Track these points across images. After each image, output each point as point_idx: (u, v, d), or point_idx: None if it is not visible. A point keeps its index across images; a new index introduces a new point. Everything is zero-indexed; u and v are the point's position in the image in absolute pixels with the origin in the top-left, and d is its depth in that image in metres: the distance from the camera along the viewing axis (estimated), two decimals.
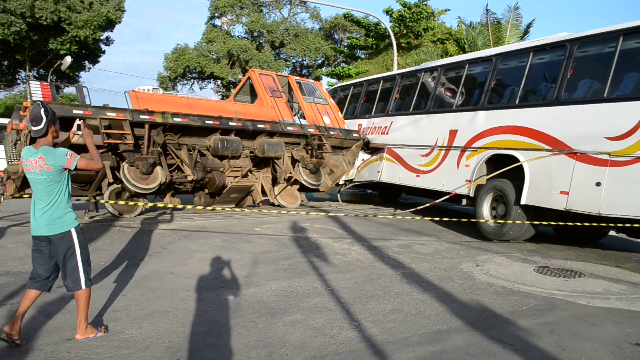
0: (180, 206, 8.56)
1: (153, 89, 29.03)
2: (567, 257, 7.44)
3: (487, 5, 52.84)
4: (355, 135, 12.20)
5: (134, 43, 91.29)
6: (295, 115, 12.42)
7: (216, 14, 36.34)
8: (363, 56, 31.50)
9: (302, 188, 11.69)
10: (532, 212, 7.77)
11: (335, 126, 12.04)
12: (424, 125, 10.24)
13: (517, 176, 7.92)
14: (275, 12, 37.05)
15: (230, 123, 10.03)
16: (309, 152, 11.38)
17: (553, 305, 5.01)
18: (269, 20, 35.83)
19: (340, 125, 12.16)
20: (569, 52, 7.48)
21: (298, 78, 12.79)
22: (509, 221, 7.85)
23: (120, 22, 28.24)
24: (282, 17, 37.06)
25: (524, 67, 8.24)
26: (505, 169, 7.92)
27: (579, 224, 7.20)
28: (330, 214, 9.62)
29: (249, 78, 11.92)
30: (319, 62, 38.52)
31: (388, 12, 27.76)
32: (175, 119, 9.33)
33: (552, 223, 7.64)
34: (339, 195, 12.58)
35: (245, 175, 10.93)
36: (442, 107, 10.03)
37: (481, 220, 8.40)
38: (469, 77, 9.56)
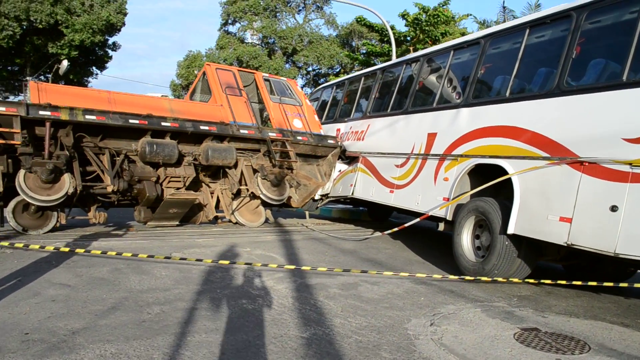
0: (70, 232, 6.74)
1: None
2: (571, 309, 5.25)
3: (503, 2, 49.65)
4: (330, 141, 10.26)
5: (170, 55, 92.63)
6: (264, 118, 10.62)
7: (229, 20, 34.98)
8: (379, 63, 29.53)
9: (266, 203, 9.76)
10: (526, 244, 5.61)
11: (307, 131, 10.09)
12: (400, 128, 8.24)
13: (507, 194, 5.83)
14: (290, 18, 35.48)
15: (163, 123, 8.25)
16: (272, 161, 9.46)
17: None
18: (282, 27, 34.24)
19: (312, 130, 10.21)
20: (575, 24, 5.36)
21: (267, 75, 10.93)
22: (492, 257, 5.69)
23: (123, 25, 27.04)
24: (296, 23, 35.42)
25: (517, 49, 6.14)
26: (487, 185, 5.82)
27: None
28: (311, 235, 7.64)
29: (204, 74, 10.10)
30: (337, 70, 36.68)
31: (404, 15, 25.69)
32: (87, 117, 7.56)
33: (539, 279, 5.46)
34: (307, 213, 10.56)
35: (195, 187, 9.13)
36: (422, 105, 7.97)
37: (460, 255, 6.26)
38: (454, 66, 7.49)
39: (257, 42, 34.49)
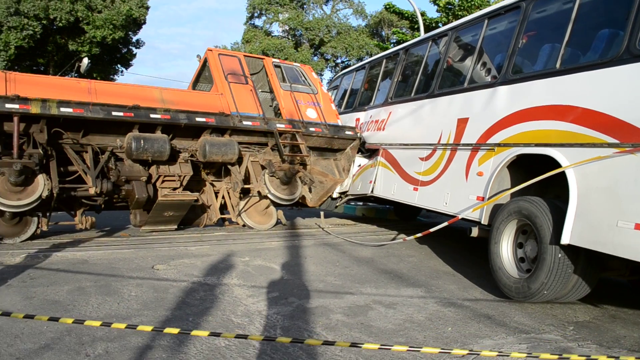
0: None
1: None
2: None
3: None
4: (348, 132, 9.09)
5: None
6: (274, 108, 9.57)
7: (255, 14, 34.09)
8: None
9: (277, 203, 8.68)
10: (586, 257, 4.33)
11: (321, 121, 8.96)
12: (425, 114, 7.05)
13: (559, 192, 4.60)
14: (317, 8, 34.32)
15: (152, 115, 7.26)
16: (282, 156, 8.38)
17: None
18: (309, 18, 33.12)
19: (328, 120, 9.07)
20: None
21: (278, 61, 9.82)
22: (540, 273, 4.43)
23: (144, 21, 26.40)
24: (323, 13, 34.24)
25: (569, 10, 4.85)
26: (533, 181, 4.57)
27: None
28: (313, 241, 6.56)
29: (206, 60, 9.07)
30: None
31: (435, 1, 24.19)
32: (62, 109, 6.62)
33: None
34: (322, 213, 9.42)
35: (198, 187, 8.36)
36: (451, 86, 6.76)
37: (499, 268, 5.02)
38: (489, 38, 6.23)
39: (283, 35, 33.49)
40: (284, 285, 5.25)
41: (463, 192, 5.80)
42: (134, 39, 28.71)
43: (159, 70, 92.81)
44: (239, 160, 8.23)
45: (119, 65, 30.20)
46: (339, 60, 34.85)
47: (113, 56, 28.56)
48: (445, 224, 5.48)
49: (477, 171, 5.59)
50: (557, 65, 4.83)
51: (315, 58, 33.60)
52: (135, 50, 29.39)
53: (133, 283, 5.13)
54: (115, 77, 30.71)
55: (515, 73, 5.44)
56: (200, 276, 5.49)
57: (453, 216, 5.69)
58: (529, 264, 4.82)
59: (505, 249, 4.98)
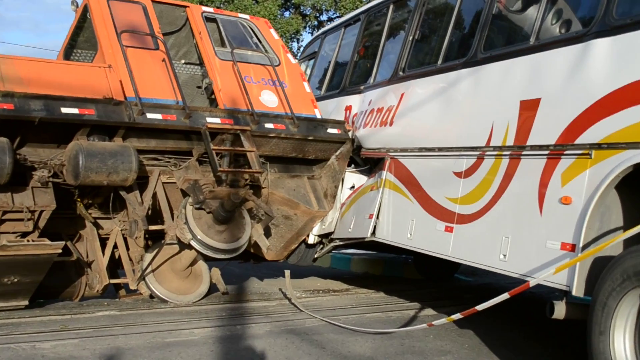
0: None
1: None
2: None
3: None
4: (332, 131, 9.02)
5: None
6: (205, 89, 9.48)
7: None
8: None
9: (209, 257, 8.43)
10: None
11: (285, 112, 8.84)
12: (464, 95, 6.98)
13: None
14: None
15: None
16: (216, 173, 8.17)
17: None
18: None
19: (297, 110, 8.99)
20: None
21: (213, 10, 9.63)
22: None
23: None
24: None
25: None
26: None
27: None
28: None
29: (85, 9, 8.71)
30: None
31: None
32: None
33: None
34: (287, 273, 8.92)
35: (72, 228, 8.16)
36: (507, 44, 6.75)
37: None
38: None
39: None
40: None
41: (535, 234, 5.45)
42: None
43: (41, 37, 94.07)
44: (141, 183, 7.80)
45: None
46: (323, 17, 34.85)
47: None
48: (506, 295, 4.92)
49: (559, 196, 5.20)
50: None
51: (287, 13, 33.52)
52: None
53: None
54: None
55: (624, 16, 5.01)
56: None
57: (519, 280, 5.21)
58: None
59: (622, 345, 4.41)
